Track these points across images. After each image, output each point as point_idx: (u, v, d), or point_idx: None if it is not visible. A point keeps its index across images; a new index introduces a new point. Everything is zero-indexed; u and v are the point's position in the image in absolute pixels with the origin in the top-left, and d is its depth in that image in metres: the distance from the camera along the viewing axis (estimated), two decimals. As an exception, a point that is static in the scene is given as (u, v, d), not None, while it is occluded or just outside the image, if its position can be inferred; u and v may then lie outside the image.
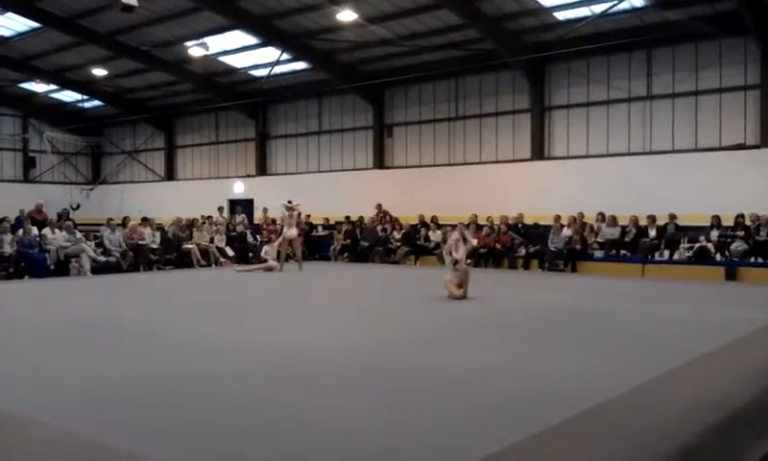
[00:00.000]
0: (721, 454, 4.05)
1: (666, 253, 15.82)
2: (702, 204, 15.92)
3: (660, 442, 4.04)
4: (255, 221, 23.20)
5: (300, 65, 22.38)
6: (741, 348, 7.03)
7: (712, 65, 16.74)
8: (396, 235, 19.77)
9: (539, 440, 4.02)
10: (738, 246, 14.92)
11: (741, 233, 15.11)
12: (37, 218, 17.80)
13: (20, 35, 22.31)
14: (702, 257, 15.17)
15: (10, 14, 20.80)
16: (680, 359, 6.16)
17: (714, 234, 15.46)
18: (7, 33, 22.34)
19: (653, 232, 16.29)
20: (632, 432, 4.20)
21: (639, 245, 16.15)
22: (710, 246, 15.30)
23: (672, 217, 16.23)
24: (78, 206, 26.10)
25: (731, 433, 4.39)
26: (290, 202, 17.38)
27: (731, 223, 15.42)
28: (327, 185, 23.11)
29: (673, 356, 6.29)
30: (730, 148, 16.39)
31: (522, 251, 17.42)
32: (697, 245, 15.35)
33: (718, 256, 15.16)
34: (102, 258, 16.33)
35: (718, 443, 4.23)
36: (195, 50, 21.00)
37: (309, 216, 21.46)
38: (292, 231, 16.79)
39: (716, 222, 15.59)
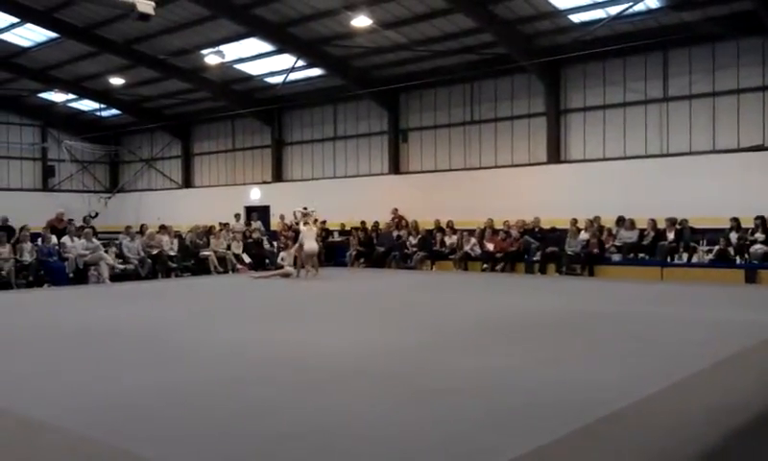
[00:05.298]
0: (743, 458, 4.01)
1: (685, 256, 15.69)
2: (720, 206, 15.77)
3: (682, 446, 4.02)
4: (272, 227, 23.30)
5: (316, 72, 22.46)
6: (762, 351, 6.97)
7: (730, 66, 16.60)
8: (413, 240, 19.76)
9: (560, 444, 4.01)
10: (758, 248, 14.77)
11: (761, 236, 14.95)
12: (58, 226, 17.97)
13: (39, 45, 22.56)
14: (721, 260, 15.03)
15: (28, 25, 21.07)
16: (700, 363, 6.12)
17: (734, 237, 15.31)
18: (26, 43, 22.61)
19: (671, 235, 16.15)
20: (653, 436, 4.18)
21: (658, 248, 16.03)
22: (730, 248, 15.16)
23: (683, 221, 16.11)
24: (96, 215, 26.33)
25: (752, 437, 4.35)
26: (305, 208, 17.34)
27: (750, 225, 15.28)
28: (343, 191, 23.14)
29: (694, 360, 6.25)
30: (748, 149, 16.23)
31: (538, 255, 17.34)
32: (716, 247, 15.22)
33: (738, 259, 15.02)
34: (120, 266, 16.45)
35: (740, 447, 4.19)
36: (211, 58, 21.13)
37: (325, 222, 21.50)
38: (313, 245, 16.42)
39: (735, 224, 15.44)
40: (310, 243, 16.29)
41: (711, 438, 4.17)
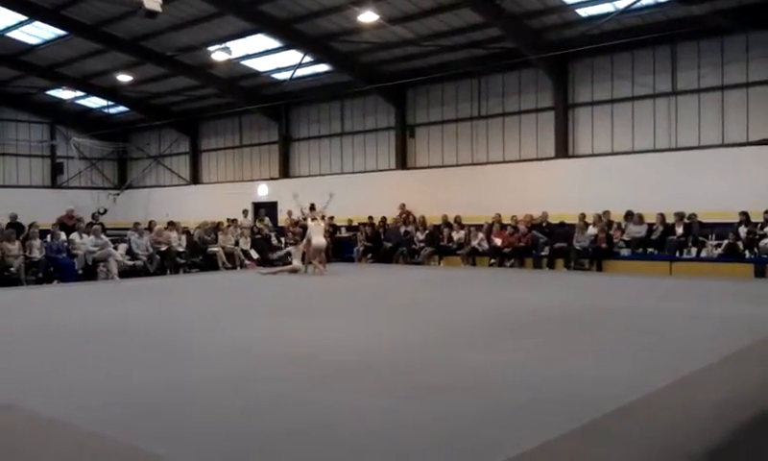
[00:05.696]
0: (750, 454, 3.99)
1: (694, 250, 15.62)
2: (729, 200, 15.69)
3: (689, 441, 4.01)
4: (279, 223, 23.34)
5: (323, 68, 22.47)
6: (771, 346, 6.93)
7: (739, 60, 16.50)
8: (420, 236, 19.75)
9: (566, 439, 4.00)
10: (767, 242, 14.68)
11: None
12: (68, 223, 18.05)
13: (47, 42, 22.65)
14: (730, 254, 14.97)
15: (37, 23, 21.15)
16: (709, 358, 6.10)
17: (743, 231, 15.24)
18: (34, 41, 22.70)
19: (680, 230, 16.09)
20: (661, 432, 4.17)
21: (666, 243, 15.97)
22: (739, 243, 15.08)
23: (692, 216, 16.06)
24: (105, 211, 26.45)
25: (759, 432, 4.34)
26: (312, 205, 17.30)
27: (759, 219, 15.19)
28: (350, 187, 23.09)
29: (702, 355, 6.23)
30: (757, 143, 16.14)
31: (546, 250, 17.30)
32: (725, 242, 15.15)
33: (747, 253, 14.94)
34: (129, 262, 16.51)
35: (747, 442, 4.18)
36: (218, 54, 21.16)
37: (332, 218, 21.49)
38: (321, 241, 16.37)
39: (744, 218, 15.36)
40: (318, 239, 16.28)
41: (718, 433, 4.16)
